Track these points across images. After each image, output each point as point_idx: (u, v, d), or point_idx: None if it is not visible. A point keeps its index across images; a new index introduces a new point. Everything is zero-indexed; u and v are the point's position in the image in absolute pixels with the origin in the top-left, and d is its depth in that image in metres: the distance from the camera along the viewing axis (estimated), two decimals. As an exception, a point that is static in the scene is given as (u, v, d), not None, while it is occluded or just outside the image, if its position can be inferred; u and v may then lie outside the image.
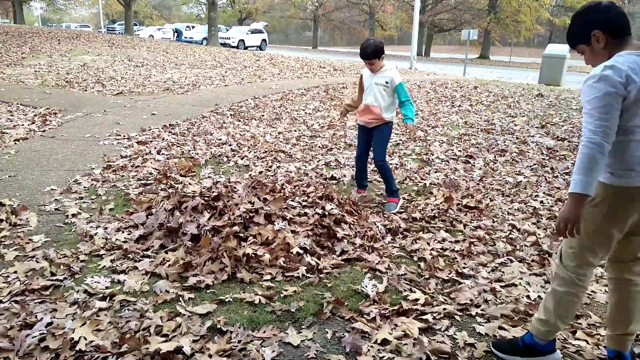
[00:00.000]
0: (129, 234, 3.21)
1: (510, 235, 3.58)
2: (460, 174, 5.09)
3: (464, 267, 3.03)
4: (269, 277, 2.80)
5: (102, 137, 5.84)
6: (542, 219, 3.95)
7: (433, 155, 5.79)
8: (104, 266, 2.84)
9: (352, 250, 3.14)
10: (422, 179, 4.87)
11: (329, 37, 68.81)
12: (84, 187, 4.14)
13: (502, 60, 37.38)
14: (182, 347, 2.14)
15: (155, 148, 5.41)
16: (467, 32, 19.61)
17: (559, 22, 36.64)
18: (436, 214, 3.89)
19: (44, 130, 6.01)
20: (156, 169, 4.67)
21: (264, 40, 33.92)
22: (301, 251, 2.99)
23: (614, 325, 2.07)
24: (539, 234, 3.58)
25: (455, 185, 4.61)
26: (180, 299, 2.54)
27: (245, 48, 30.37)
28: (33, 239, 3.13)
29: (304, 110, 8.41)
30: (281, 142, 6.09)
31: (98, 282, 2.66)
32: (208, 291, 2.64)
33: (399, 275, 2.88)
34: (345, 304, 2.55)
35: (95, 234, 3.20)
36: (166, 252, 2.96)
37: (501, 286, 2.82)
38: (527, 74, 22.23)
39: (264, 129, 6.78)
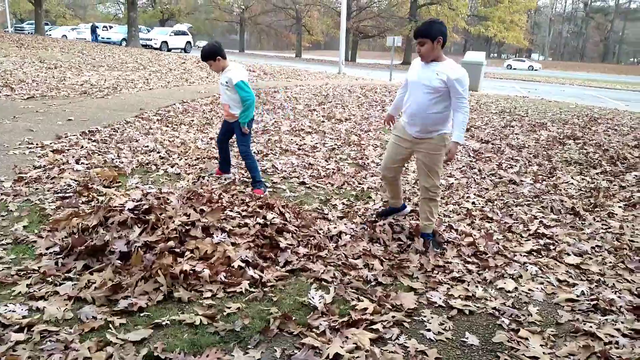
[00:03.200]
0: (46, 255, 2.87)
1: (448, 237, 3.64)
2: (396, 178, 5.15)
3: (408, 272, 3.03)
4: (209, 294, 2.61)
5: (12, 146, 5.27)
6: (475, 219, 4.07)
7: (368, 159, 5.83)
8: (20, 292, 2.51)
9: (297, 260, 3.03)
10: (359, 184, 4.86)
11: (256, 40, 68.25)
12: (-9, 203, 3.68)
13: (423, 66, 39.01)
14: (115, 380, 1.92)
15: (74, 157, 4.96)
16: (392, 38, 20.28)
17: (473, 31, 39.02)
18: (376, 219, 3.87)
19: (-60, 139, 5.32)
20: (75, 180, 4.27)
21: (188, 42, 32.86)
22: (243, 264, 2.84)
23: (393, 199, 3.81)
24: (474, 235, 3.68)
25: (392, 189, 4.64)
26: (110, 325, 2.29)
27: (169, 50, 29.23)
28: None
29: (235, 114, 8.15)
30: (213, 148, 5.84)
31: (13, 312, 2.34)
32: (142, 315, 2.40)
33: (345, 284, 2.81)
34: (293, 318, 2.43)
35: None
36: (91, 274, 2.67)
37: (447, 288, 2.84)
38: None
39: (195, 134, 6.48)
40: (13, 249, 3.00)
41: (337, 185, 4.76)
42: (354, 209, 4.10)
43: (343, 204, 4.26)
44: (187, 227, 2.96)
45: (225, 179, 4.67)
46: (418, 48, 3.12)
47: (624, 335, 2.43)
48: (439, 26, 3.07)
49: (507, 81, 24.15)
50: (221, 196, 3.43)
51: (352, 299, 2.66)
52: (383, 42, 42.89)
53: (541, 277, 3.04)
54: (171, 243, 2.82)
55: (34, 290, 2.53)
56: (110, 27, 34.26)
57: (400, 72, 27.10)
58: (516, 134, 7.77)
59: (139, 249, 2.77)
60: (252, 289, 2.69)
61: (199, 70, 14.81)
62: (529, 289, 2.87)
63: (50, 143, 5.45)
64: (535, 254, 3.39)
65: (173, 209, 3.07)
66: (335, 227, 3.60)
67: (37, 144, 5.37)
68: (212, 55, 4.23)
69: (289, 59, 37.88)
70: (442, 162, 3.32)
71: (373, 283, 2.88)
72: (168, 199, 3.18)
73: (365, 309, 2.55)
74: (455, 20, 37.17)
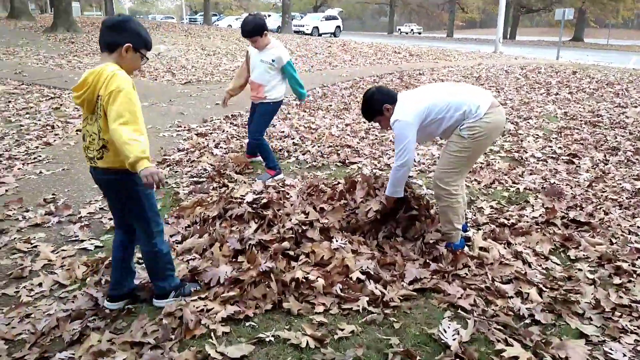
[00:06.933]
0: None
1: (635, 263, 2.76)
2: (562, 177, 4.22)
3: (577, 310, 2.30)
4: (321, 308, 2.27)
5: (164, 128, 5.61)
6: (678, 241, 3.05)
7: (527, 152, 4.92)
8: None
9: (428, 278, 2.51)
10: (514, 183, 4.08)
11: (406, 21, 66.63)
12: (134, 184, 3.85)
13: (598, 42, 33.86)
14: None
15: (214, 141, 5.07)
16: (562, 11, 17.73)
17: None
18: (535, 230, 3.12)
19: (108, 121, 5.90)
20: (211, 165, 4.31)
21: (338, 26, 33.26)
22: (363, 277, 2.43)
23: None
24: (677, 264, 2.72)
25: (557, 192, 3.77)
26: (212, 334, 2.07)
27: (320, 35, 29.91)
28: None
29: (376, 99, 7.74)
30: (348, 135, 5.51)
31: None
32: (247, 324, 2.15)
33: (489, 318, 2.22)
34: (418, 358, 1.94)
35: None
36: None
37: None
38: (630, 57, 19.80)
39: (331, 120, 6.23)
40: (141, 233, 3.02)
41: (485, 183, 4.05)
42: (505, 216, 3.39)
43: (491, 207, 3.57)
44: (304, 227, 2.64)
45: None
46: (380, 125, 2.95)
47: None
48: (370, 98, 2.79)
49: None
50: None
51: (498, 340, 2.07)
52: (549, 17, 38.16)
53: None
54: (286, 244, 2.54)
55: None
56: (269, 16, 36.32)
57: (569, 49, 23.76)
58: None
59: (253, 247, 2.54)
60: (370, 308, 2.27)
61: (343, 53, 14.66)
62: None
63: (196, 127, 5.68)
64: None
65: (292, 205, 2.78)
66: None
67: (184, 127, 5.63)
68: (260, 30, 3.66)
69: (440, 39, 35.98)
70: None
71: (527, 320, 2.23)
72: (288, 194, 2.91)
73: (517, 358, 1.95)
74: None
